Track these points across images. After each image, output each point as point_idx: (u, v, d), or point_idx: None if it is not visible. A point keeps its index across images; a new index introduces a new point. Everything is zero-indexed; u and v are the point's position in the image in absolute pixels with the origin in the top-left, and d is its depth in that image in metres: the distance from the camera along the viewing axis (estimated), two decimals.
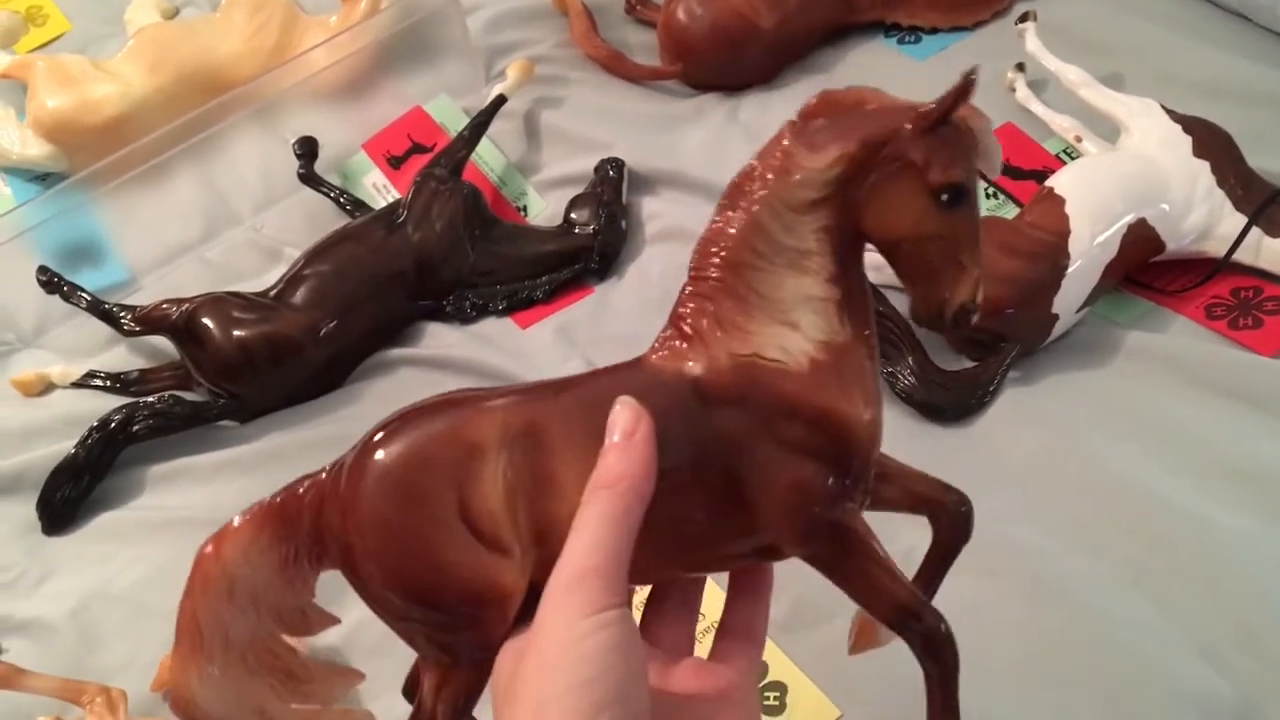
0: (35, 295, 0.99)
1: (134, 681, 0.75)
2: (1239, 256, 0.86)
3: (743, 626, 0.49)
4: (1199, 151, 0.87)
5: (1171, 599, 0.72)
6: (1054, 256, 0.82)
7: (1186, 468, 0.78)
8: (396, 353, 0.96)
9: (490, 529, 0.43)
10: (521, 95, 1.11)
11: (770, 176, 0.43)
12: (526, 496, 0.44)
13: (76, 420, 0.92)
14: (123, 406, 0.90)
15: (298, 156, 1.07)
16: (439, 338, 0.97)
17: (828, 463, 0.43)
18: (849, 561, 0.44)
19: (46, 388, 0.98)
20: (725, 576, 0.51)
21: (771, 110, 1.08)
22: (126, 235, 1.06)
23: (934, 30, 1.13)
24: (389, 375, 0.95)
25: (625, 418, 0.42)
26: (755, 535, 0.45)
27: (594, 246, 0.98)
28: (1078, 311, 0.84)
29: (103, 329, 0.99)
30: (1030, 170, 0.98)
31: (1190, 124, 0.89)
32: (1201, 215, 0.85)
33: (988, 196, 0.98)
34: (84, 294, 0.97)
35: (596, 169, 1.03)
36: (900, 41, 1.14)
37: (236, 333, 0.91)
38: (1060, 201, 0.84)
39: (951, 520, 0.49)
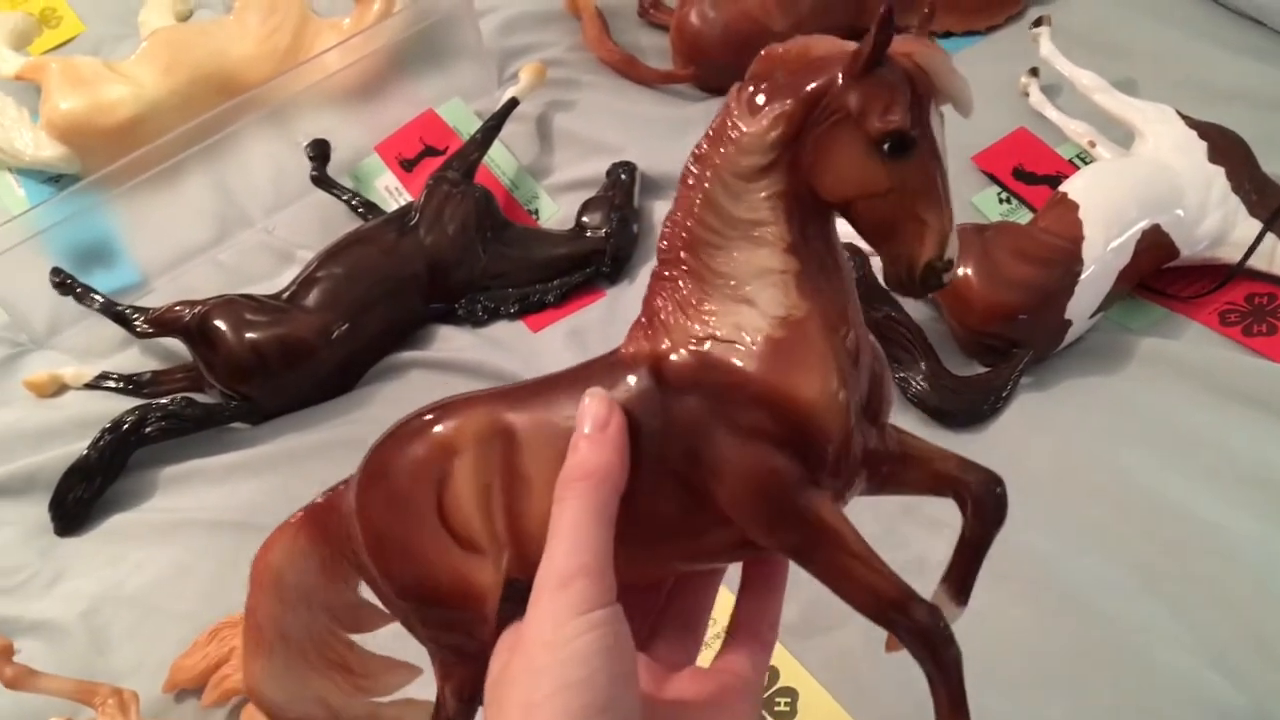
0: (48, 297, 0.99)
1: (145, 683, 0.75)
2: (1253, 263, 0.85)
3: (748, 625, 0.47)
4: (1214, 157, 0.86)
5: (1184, 605, 0.71)
6: (1067, 262, 0.82)
7: (1200, 474, 0.78)
8: (408, 355, 0.96)
9: (463, 528, 0.44)
10: (534, 98, 1.11)
11: (719, 147, 0.41)
12: (501, 495, 0.44)
13: (89, 422, 0.92)
14: (135, 408, 0.90)
15: (310, 159, 1.07)
16: (450, 341, 0.97)
17: (787, 447, 0.40)
18: (819, 552, 0.41)
19: (59, 389, 0.98)
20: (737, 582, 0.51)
21: None
22: (139, 237, 1.06)
23: (948, 34, 1.13)
24: (400, 378, 0.95)
25: (596, 409, 0.41)
26: (729, 527, 0.42)
27: (606, 250, 0.98)
28: (1091, 317, 0.84)
29: (115, 331, 0.99)
30: (1044, 175, 0.98)
31: (1205, 129, 0.88)
32: (1216, 221, 0.85)
33: (1000, 202, 0.97)
34: (97, 295, 0.98)
35: (609, 172, 1.03)
36: None
37: (249, 335, 0.91)
38: (1074, 207, 0.84)
39: (979, 502, 0.44)
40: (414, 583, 0.45)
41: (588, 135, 1.10)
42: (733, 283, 0.41)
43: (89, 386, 0.97)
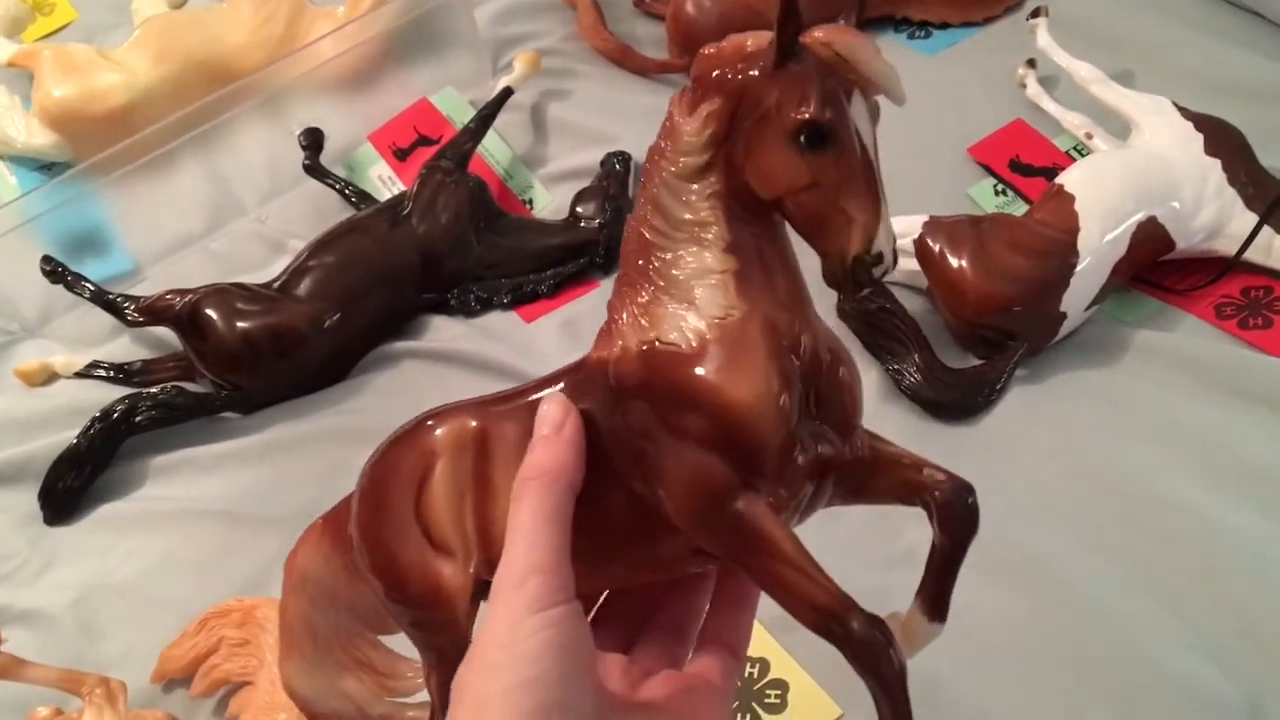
0: (39, 285, 0.99)
1: (134, 673, 0.75)
2: (1250, 255, 0.85)
3: (717, 635, 0.47)
4: (1210, 149, 0.86)
5: (1179, 599, 0.71)
6: (1063, 254, 0.82)
7: (1195, 467, 0.77)
8: (400, 345, 0.96)
9: (437, 532, 0.45)
10: (528, 88, 1.11)
11: (663, 149, 0.41)
12: (472, 500, 0.44)
13: (79, 410, 0.92)
14: (125, 397, 0.90)
15: (303, 148, 1.06)
16: (443, 331, 0.97)
17: (718, 451, 0.39)
18: (756, 560, 0.40)
19: (50, 378, 0.98)
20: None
21: None
22: (131, 225, 1.06)
23: (944, 25, 1.13)
24: (393, 368, 0.95)
25: (553, 412, 0.42)
26: (681, 534, 0.42)
27: (599, 240, 0.97)
28: (1086, 310, 0.84)
29: (106, 319, 0.99)
30: (1040, 167, 0.97)
31: (1202, 121, 0.88)
32: (1212, 213, 0.85)
33: (996, 194, 0.97)
34: (88, 284, 0.97)
35: (603, 162, 1.03)
36: (910, 37, 1.13)
37: (240, 324, 0.90)
38: (1070, 199, 0.84)
39: (946, 511, 0.42)
40: (391, 582, 0.46)
41: (582, 125, 1.10)
42: (679, 285, 0.41)
43: (79, 375, 0.96)
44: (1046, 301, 0.82)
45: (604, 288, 0.98)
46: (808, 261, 0.41)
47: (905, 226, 0.84)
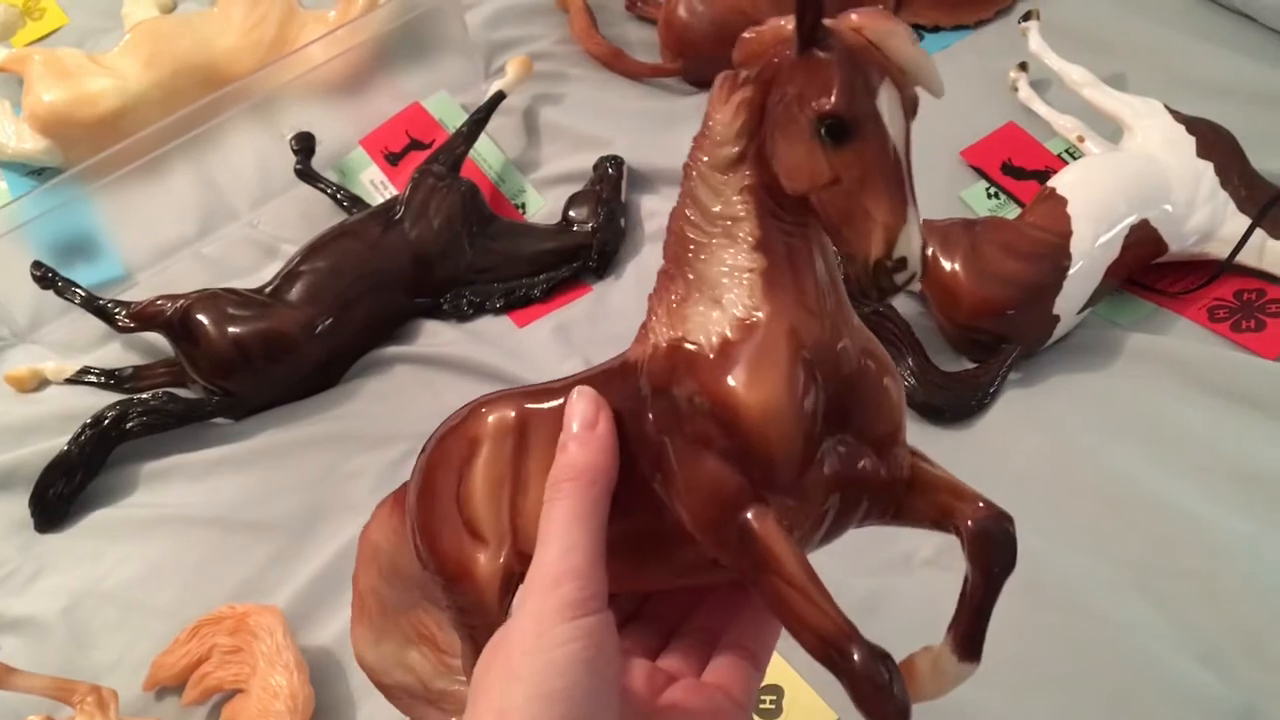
0: (29, 290, 0.98)
1: (125, 680, 0.75)
2: (1242, 258, 0.85)
3: (740, 643, 0.45)
4: (1203, 152, 0.86)
5: (1173, 602, 0.71)
6: (1056, 257, 0.82)
7: (1188, 470, 0.77)
8: (393, 350, 0.95)
9: (472, 519, 0.45)
10: (521, 92, 1.11)
11: (701, 140, 0.39)
12: (508, 491, 0.44)
13: (70, 416, 0.91)
14: (117, 403, 0.89)
15: (295, 152, 1.06)
16: (436, 335, 0.96)
17: (729, 458, 0.38)
18: (759, 575, 0.38)
19: (40, 384, 0.97)
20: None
21: None
22: (122, 230, 1.05)
23: (936, 28, 1.13)
24: (385, 373, 0.94)
25: (583, 408, 0.41)
26: (697, 542, 0.40)
27: (592, 245, 0.97)
28: (1079, 313, 0.84)
29: (97, 325, 0.98)
30: (1032, 170, 0.97)
31: (1194, 124, 0.88)
32: (1205, 216, 0.85)
33: (989, 197, 0.97)
34: (78, 289, 0.97)
35: (596, 166, 1.02)
36: None
37: (231, 329, 0.90)
38: (1062, 202, 0.84)
39: (981, 540, 0.39)
40: (437, 565, 0.47)
41: (575, 129, 1.09)
42: (709, 282, 0.39)
43: (70, 381, 0.96)
44: (1039, 304, 0.82)
45: (597, 292, 0.97)
46: None
47: None
